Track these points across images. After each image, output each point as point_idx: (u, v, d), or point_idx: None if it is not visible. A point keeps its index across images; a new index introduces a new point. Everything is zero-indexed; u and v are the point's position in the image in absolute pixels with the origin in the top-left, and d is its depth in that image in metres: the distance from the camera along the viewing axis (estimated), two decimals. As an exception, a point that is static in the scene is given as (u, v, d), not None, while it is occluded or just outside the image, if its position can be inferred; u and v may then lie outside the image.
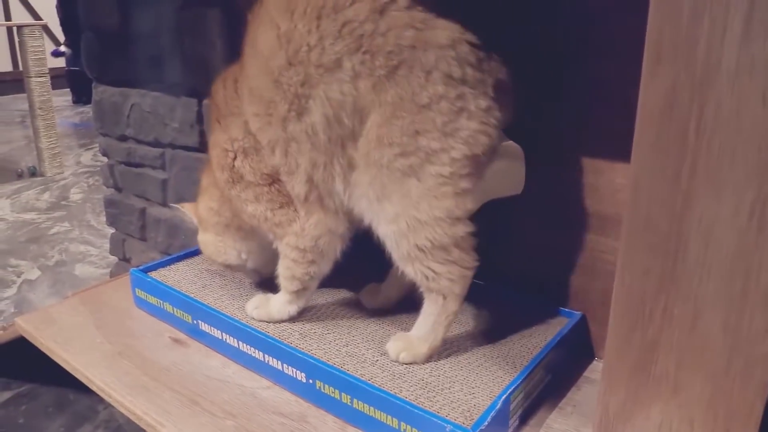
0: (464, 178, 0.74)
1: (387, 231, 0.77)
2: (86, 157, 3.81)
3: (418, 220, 0.74)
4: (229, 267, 0.99)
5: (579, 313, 0.90)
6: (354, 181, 0.78)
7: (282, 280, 0.90)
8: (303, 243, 0.85)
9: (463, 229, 0.76)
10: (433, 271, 0.77)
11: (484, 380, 0.77)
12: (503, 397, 0.70)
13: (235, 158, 0.88)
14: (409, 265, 0.78)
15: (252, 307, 0.92)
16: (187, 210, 1.02)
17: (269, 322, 0.90)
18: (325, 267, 0.88)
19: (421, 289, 0.80)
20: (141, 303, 1.03)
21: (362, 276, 0.98)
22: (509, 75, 0.76)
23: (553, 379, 0.82)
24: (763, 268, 0.46)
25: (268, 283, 0.98)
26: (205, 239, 0.98)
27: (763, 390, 0.48)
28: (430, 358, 0.80)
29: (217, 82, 0.92)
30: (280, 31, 0.76)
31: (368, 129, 0.75)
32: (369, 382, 0.74)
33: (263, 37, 0.78)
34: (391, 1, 0.72)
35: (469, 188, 0.75)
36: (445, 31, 0.72)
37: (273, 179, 0.87)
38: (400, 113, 0.72)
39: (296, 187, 0.83)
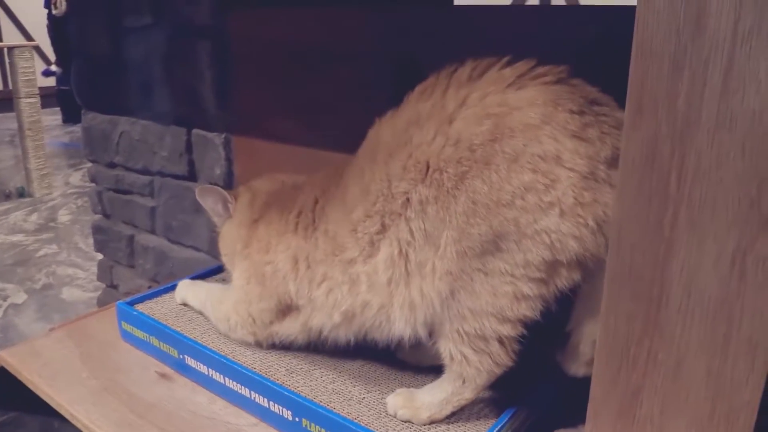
0: (531, 282, 0.64)
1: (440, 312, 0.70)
2: (75, 177, 3.81)
3: (471, 310, 0.67)
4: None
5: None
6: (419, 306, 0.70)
7: (214, 309, 0.94)
8: (259, 331, 0.89)
9: (511, 330, 0.67)
10: (464, 356, 0.70)
11: (471, 419, 0.76)
12: (490, 437, 0.70)
13: (267, 262, 0.85)
14: (442, 342, 0.71)
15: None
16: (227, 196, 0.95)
17: None
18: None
19: (444, 362, 0.73)
20: (127, 336, 1.02)
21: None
22: None
23: (539, 418, 0.82)
24: (744, 316, 0.46)
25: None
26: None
27: (748, 436, 0.48)
28: (428, 423, 0.75)
29: (310, 184, 0.86)
30: (363, 183, 0.72)
31: (443, 248, 0.66)
32: (355, 421, 0.74)
33: (352, 188, 0.74)
34: (461, 104, 0.64)
35: (532, 295, 0.65)
36: (532, 107, 0.60)
37: (281, 300, 0.85)
38: (474, 220, 0.63)
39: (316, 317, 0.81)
